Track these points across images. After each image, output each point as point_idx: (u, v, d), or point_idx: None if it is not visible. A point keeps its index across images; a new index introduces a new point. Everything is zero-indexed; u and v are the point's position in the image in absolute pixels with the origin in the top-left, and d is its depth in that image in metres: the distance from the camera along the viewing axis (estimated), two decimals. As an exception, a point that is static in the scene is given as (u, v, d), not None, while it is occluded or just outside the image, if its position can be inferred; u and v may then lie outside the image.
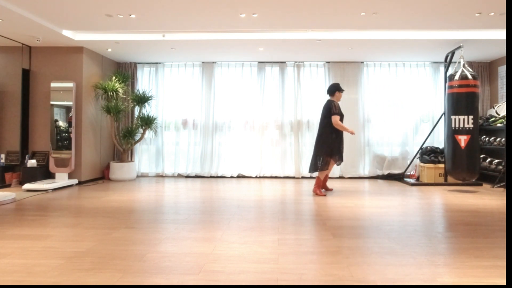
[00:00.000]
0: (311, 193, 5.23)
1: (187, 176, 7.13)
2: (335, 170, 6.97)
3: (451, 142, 5.41)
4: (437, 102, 6.97)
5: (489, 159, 6.10)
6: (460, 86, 5.32)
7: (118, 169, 6.49)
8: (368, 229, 3.24)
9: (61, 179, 5.75)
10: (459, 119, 5.33)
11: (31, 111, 6.03)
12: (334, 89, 5.04)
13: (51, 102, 5.87)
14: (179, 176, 7.20)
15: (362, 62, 7.03)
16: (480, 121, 6.54)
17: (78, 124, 5.99)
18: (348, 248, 2.69)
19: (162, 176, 7.18)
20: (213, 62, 7.16)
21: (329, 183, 6.31)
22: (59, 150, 5.81)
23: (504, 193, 5.22)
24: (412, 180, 6.35)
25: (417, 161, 6.71)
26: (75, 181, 5.86)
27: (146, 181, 6.45)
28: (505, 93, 6.51)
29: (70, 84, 5.86)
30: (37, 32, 5.16)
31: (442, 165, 6.17)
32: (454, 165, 5.37)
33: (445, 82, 5.73)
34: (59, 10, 4.46)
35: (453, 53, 5.84)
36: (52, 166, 5.79)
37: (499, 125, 6.08)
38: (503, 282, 2.08)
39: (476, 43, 5.67)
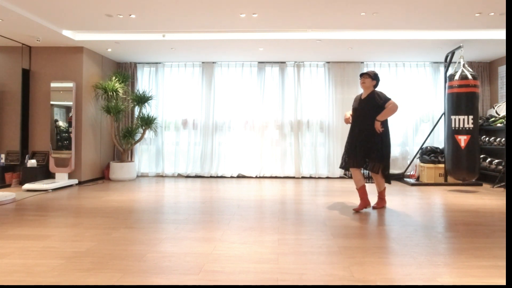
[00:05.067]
0: (310, 192, 5.22)
1: (187, 176, 7.12)
2: (336, 170, 6.97)
3: (451, 142, 5.41)
4: (437, 102, 6.97)
5: (489, 159, 6.10)
6: (460, 86, 5.32)
7: (118, 169, 6.49)
8: (368, 229, 3.24)
9: (61, 179, 5.75)
10: (459, 119, 5.33)
11: (31, 111, 6.03)
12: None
13: (51, 102, 5.87)
14: (179, 176, 7.20)
15: (362, 62, 7.03)
16: (480, 121, 6.54)
17: (78, 124, 5.99)
18: (348, 248, 2.69)
19: (162, 176, 7.18)
20: (213, 62, 7.16)
21: (330, 184, 6.31)
22: (59, 150, 5.81)
23: (504, 193, 5.22)
24: (412, 180, 6.35)
25: (417, 161, 6.71)
26: (75, 181, 5.86)
27: (146, 181, 6.45)
28: (505, 93, 6.51)
29: (70, 84, 5.86)
30: (37, 32, 5.16)
31: (442, 165, 6.17)
32: (454, 165, 5.37)
33: (445, 82, 5.73)
34: (59, 10, 4.46)
35: (453, 53, 5.84)
36: (52, 166, 5.79)
37: (499, 125, 6.08)
38: (503, 282, 2.08)
39: (476, 43, 5.67)
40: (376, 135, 3.95)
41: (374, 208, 4.14)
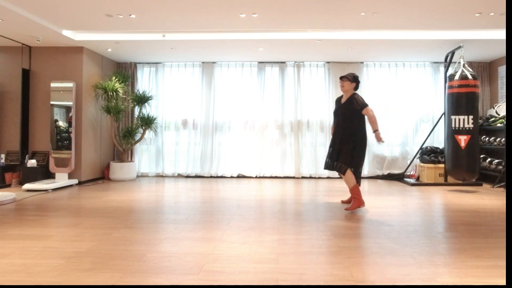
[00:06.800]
0: (310, 192, 5.23)
1: (187, 176, 7.12)
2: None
3: (451, 142, 5.41)
4: (437, 102, 6.97)
5: (489, 159, 6.10)
6: (460, 86, 5.32)
7: (118, 169, 6.49)
8: (368, 229, 3.24)
9: (61, 179, 5.75)
10: (459, 119, 5.33)
11: (31, 111, 6.03)
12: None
13: (51, 102, 5.86)
14: (179, 176, 7.20)
15: (362, 62, 7.03)
16: (480, 121, 6.54)
17: (78, 124, 5.99)
18: (348, 248, 2.69)
19: (162, 176, 7.18)
20: (213, 62, 7.16)
21: (331, 184, 6.31)
22: (59, 150, 5.81)
23: (504, 193, 5.22)
24: (412, 180, 6.35)
25: (417, 161, 6.71)
26: (75, 181, 5.86)
27: (146, 181, 6.45)
28: (505, 93, 6.51)
29: (70, 84, 5.86)
30: (37, 32, 5.16)
31: (442, 165, 6.17)
32: (454, 165, 5.37)
33: (445, 82, 5.73)
34: (59, 10, 4.46)
35: (453, 53, 5.84)
36: (52, 166, 5.79)
37: (499, 125, 6.08)
38: (503, 282, 2.08)
39: (476, 43, 5.67)
40: (351, 141, 3.99)
41: (346, 209, 3.96)
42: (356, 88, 4.13)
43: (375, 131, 3.91)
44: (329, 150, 4.20)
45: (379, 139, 3.88)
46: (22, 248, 2.66)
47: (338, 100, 4.25)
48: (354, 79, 4.08)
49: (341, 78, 4.11)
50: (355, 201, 3.99)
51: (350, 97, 4.07)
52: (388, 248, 2.69)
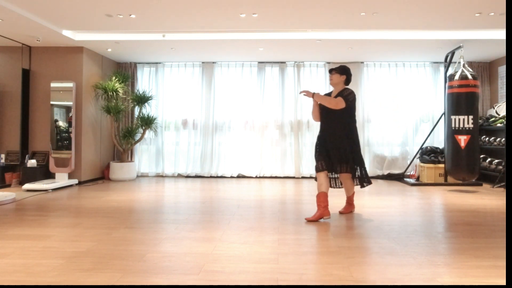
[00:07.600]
0: (310, 192, 5.22)
1: (187, 176, 7.12)
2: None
3: (451, 142, 5.41)
4: (437, 102, 6.97)
5: (489, 159, 6.10)
6: (460, 86, 5.32)
7: (118, 169, 6.49)
8: (368, 229, 3.24)
9: (61, 179, 5.74)
10: (459, 119, 5.33)
11: (31, 111, 6.03)
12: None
13: (51, 102, 5.86)
14: (179, 176, 7.20)
15: (362, 62, 7.03)
16: (480, 121, 6.54)
17: (78, 124, 5.99)
18: (348, 248, 2.69)
19: (162, 176, 7.18)
20: (213, 62, 7.16)
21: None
22: (59, 150, 5.81)
23: (504, 193, 5.22)
24: (412, 180, 6.35)
25: (417, 161, 6.71)
26: (75, 181, 5.86)
27: (146, 181, 6.45)
28: (505, 93, 6.51)
29: (70, 84, 5.86)
30: (37, 32, 5.15)
31: (442, 165, 6.17)
32: (454, 165, 5.37)
33: (445, 82, 5.73)
34: (59, 10, 4.46)
35: (453, 53, 5.84)
36: (52, 166, 5.79)
37: (499, 125, 6.08)
38: (503, 282, 2.08)
39: (476, 43, 5.67)
40: (345, 140, 3.56)
41: (340, 213, 3.83)
42: (348, 82, 3.70)
43: (314, 95, 3.58)
44: (324, 152, 3.62)
45: (308, 94, 3.57)
46: (22, 248, 2.66)
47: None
48: (343, 71, 3.67)
49: (330, 71, 3.70)
50: (350, 206, 3.92)
51: (341, 91, 3.64)
52: (388, 248, 2.69)
